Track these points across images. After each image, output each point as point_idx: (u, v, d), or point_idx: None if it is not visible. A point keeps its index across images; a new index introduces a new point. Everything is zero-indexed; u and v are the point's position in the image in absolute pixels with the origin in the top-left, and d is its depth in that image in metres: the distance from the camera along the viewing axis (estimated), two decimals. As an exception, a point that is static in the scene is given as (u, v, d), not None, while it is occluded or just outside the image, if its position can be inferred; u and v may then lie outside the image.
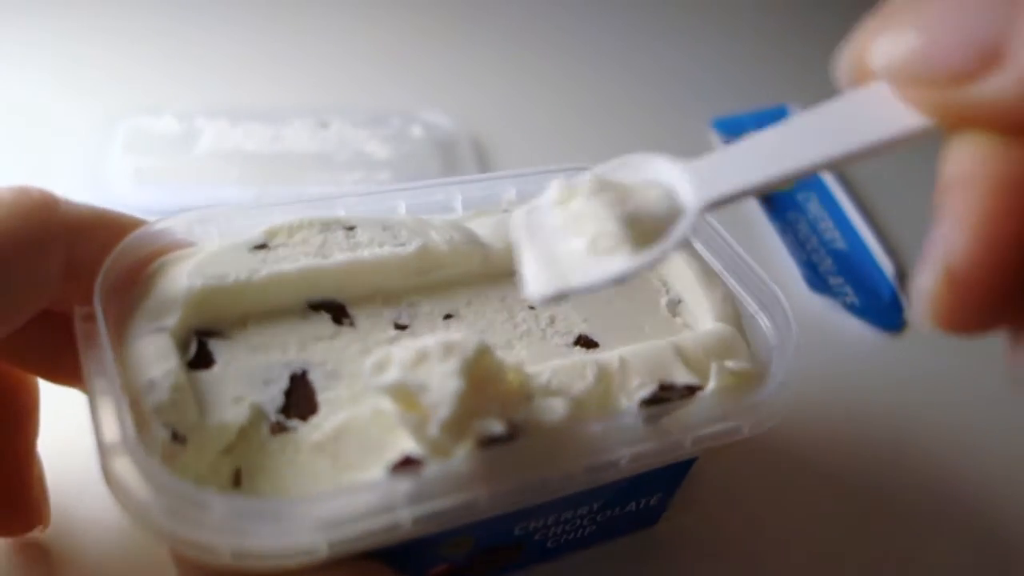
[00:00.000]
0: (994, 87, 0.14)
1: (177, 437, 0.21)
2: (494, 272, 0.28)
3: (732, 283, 0.28)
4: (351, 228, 0.27)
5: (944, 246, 0.15)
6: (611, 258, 0.19)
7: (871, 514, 0.32)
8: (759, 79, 0.61)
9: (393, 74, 0.56)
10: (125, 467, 0.19)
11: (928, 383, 0.39)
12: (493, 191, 0.30)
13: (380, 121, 0.49)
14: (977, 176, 0.15)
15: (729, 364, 0.24)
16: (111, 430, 0.20)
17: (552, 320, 0.27)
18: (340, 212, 0.28)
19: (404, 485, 0.20)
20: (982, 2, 0.15)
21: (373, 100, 0.52)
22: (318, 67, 0.55)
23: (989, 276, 0.15)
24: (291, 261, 0.25)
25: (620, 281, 0.19)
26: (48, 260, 0.23)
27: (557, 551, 0.28)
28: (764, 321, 0.27)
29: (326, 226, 0.27)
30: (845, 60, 0.17)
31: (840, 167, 0.16)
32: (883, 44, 0.16)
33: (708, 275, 0.28)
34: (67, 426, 0.27)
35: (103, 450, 0.20)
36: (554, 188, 0.21)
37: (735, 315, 0.27)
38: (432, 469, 0.20)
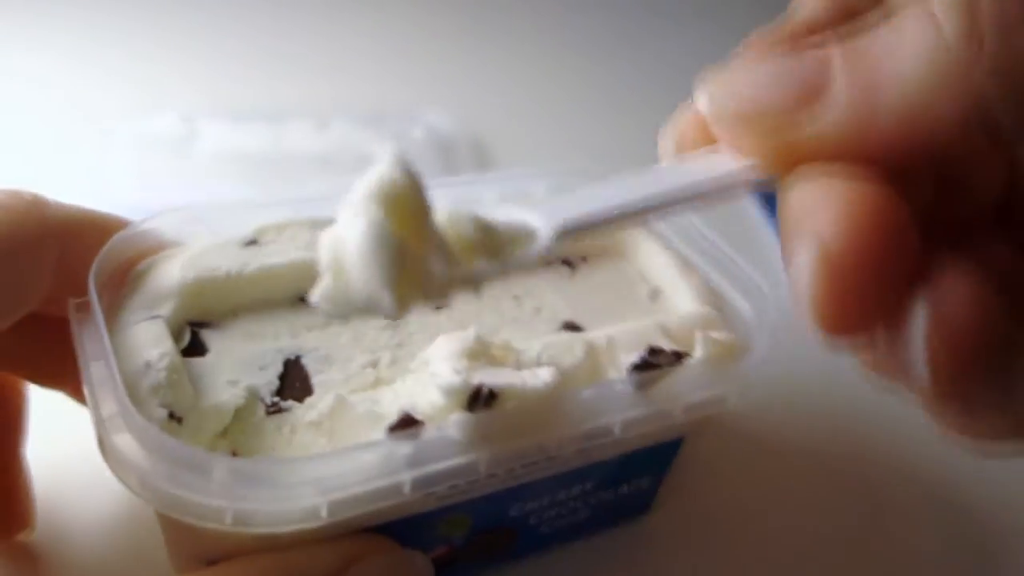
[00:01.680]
0: (822, 116, 0.15)
1: (174, 417, 0.21)
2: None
3: (712, 272, 0.29)
4: (338, 226, 0.27)
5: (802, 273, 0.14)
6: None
7: (861, 498, 0.33)
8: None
9: (394, 75, 0.56)
10: (124, 441, 0.19)
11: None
12: (477, 193, 0.31)
13: (381, 122, 0.49)
14: (822, 204, 0.14)
15: (713, 335, 0.25)
16: (109, 407, 0.20)
17: (538, 310, 0.28)
18: (327, 213, 0.28)
19: (403, 447, 0.20)
20: (792, 48, 0.16)
21: (374, 101, 0.52)
22: (319, 68, 0.55)
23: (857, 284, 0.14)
24: (281, 255, 0.26)
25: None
26: (40, 261, 0.23)
27: (552, 538, 0.28)
28: (744, 305, 0.28)
29: (315, 225, 0.27)
30: (669, 134, 0.18)
31: (671, 211, 0.18)
32: (712, 95, 0.17)
33: (683, 265, 0.29)
34: (56, 432, 0.27)
35: (101, 425, 0.20)
36: None
37: (713, 299, 0.28)
38: (430, 431, 0.20)
